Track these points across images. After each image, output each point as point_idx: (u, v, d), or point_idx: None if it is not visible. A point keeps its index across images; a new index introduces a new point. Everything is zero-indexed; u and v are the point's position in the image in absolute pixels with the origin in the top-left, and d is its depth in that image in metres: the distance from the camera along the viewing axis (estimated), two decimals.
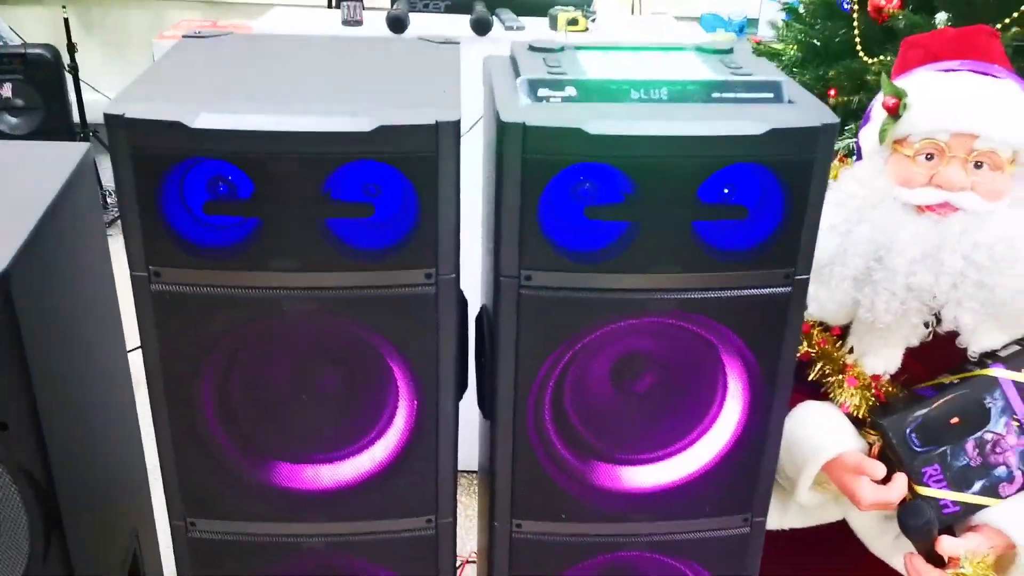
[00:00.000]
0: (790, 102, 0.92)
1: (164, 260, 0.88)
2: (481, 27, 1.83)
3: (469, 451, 1.13)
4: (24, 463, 0.91)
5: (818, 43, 1.67)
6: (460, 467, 1.07)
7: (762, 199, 0.90)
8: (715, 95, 0.91)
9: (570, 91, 0.90)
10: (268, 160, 0.84)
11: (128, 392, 1.27)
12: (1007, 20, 1.39)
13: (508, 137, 0.85)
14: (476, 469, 1.13)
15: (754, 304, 0.93)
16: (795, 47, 1.72)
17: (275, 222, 0.87)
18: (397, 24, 1.82)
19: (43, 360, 0.92)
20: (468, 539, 2.22)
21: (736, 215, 0.89)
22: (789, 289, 0.93)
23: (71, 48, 3.34)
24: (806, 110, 0.90)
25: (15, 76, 3.18)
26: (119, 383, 1.24)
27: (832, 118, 0.87)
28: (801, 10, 1.74)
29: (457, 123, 0.85)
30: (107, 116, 0.83)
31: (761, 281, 0.92)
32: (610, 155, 0.85)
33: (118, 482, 1.21)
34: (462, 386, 1.04)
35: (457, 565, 1.90)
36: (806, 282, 0.94)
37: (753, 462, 1.03)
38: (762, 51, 1.79)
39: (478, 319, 1.07)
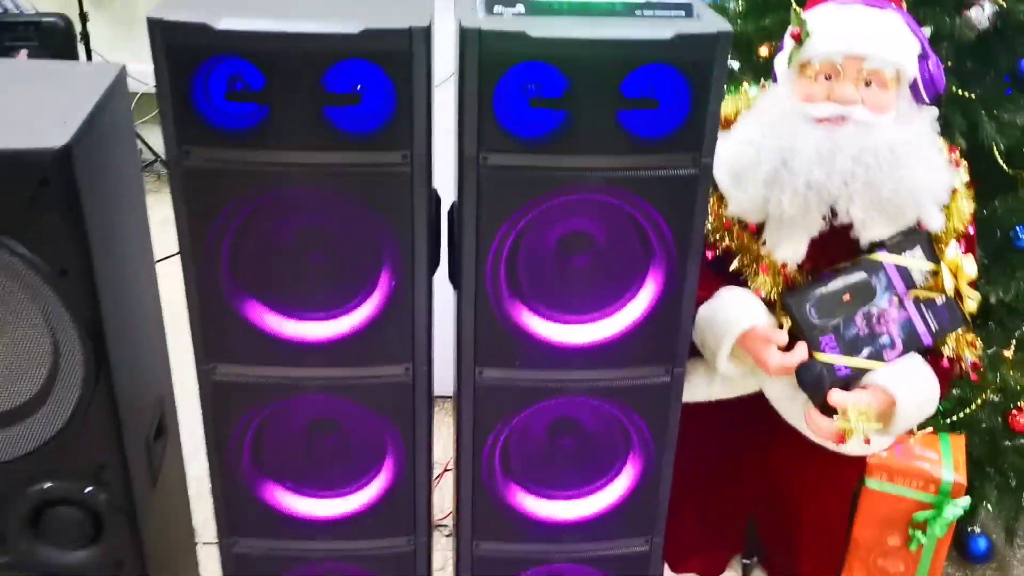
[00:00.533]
0: (698, 18, 1.14)
1: (193, 140, 1.10)
2: None
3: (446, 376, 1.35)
4: (78, 306, 1.14)
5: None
6: (436, 392, 1.33)
7: (672, 94, 1.12)
8: (637, 12, 1.14)
9: (519, 8, 1.13)
10: (276, 57, 1.06)
11: (153, 273, 1.49)
12: None
13: (467, 41, 1.08)
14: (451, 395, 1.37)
15: (668, 183, 1.16)
16: (738, 2, 1.94)
17: (282, 110, 1.09)
18: None
19: (95, 222, 1.14)
20: (445, 454, 2.44)
21: (649, 106, 1.11)
22: (696, 171, 1.16)
23: (83, 17, 3.54)
24: (708, 22, 1.12)
25: (30, 43, 3.38)
26: (147, 264, 1.47)
27: (727, 27, 1.10)
28: None
29: (428, 28, 1.07)
30: (149, 20, 1.05)
31: (673, 163, 1.15)
32: (548, 55, 1.08)
33: (146, 344, 1.43)
34: (434, 262, 1.27)
35: (435, 476, 2.12)
36: (710, 165, 1.16)
37: (673, 321, 1.25)
38: (711, 6, 2.01)
39: (449, 212, 1.29)
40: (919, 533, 1.73)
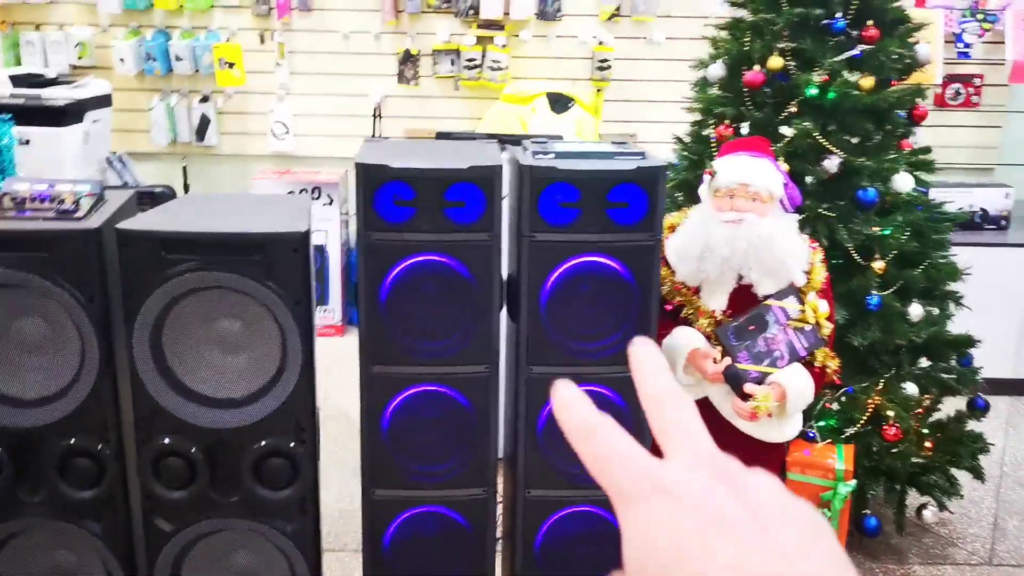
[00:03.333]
0: (649, 159, 2.07)
1: (372, 227, 1.99)
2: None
3: None
4: (304, 326, 1.97)
5: (695, 157, 2.86)
6: None
7: (637, 199, 2.02)
8: (616, 156, 2.07)
9: (552, 155, 2.05)
10: (421, 181, 1.97)
11: None
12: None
13: (524, 172, 1.99)
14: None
15: (637, 249, 2.04)
16: (683, 161, 2.91)
17: (422, 211, 1.99)
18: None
19: (310, 274, 2.01)
20: None
21: (623, 206, 2.01)
22: (652, 243, 2.04)
23: (186, 188, 4.54)
24: (654, 161, 2.05)
25: (145, 208, 4.35)
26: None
27: (662, 163, 2.02)
28: (687, 140, 2.96)
29: (500, 166, 1.99)
30: (356, 163, 1.96)
31: (639, 239, 2.04)
32: (569, 178, 1.99)
33: None
34: (500, 304, 2.13)
35: None
36: (660, 239, 2.05)
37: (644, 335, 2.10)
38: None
39: (507, 279, 2.16)
40: (825, 511, 2.49)
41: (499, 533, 2.39)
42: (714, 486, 0.42)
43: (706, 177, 2.34)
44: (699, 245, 2.26)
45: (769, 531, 0.40)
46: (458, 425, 2.14)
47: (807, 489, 2.51)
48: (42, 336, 1.97)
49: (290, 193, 4.41)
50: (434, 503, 2.17)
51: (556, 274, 2.06)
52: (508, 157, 2.19)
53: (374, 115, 4.80)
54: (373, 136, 4.81)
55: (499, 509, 2.35)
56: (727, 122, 2.72)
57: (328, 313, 4.51)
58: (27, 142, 4.13)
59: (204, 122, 4.66)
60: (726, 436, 2.36)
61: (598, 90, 4.55)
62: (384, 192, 1.99)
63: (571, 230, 2.02)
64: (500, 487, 2.27)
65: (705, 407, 2.36)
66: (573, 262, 2.05)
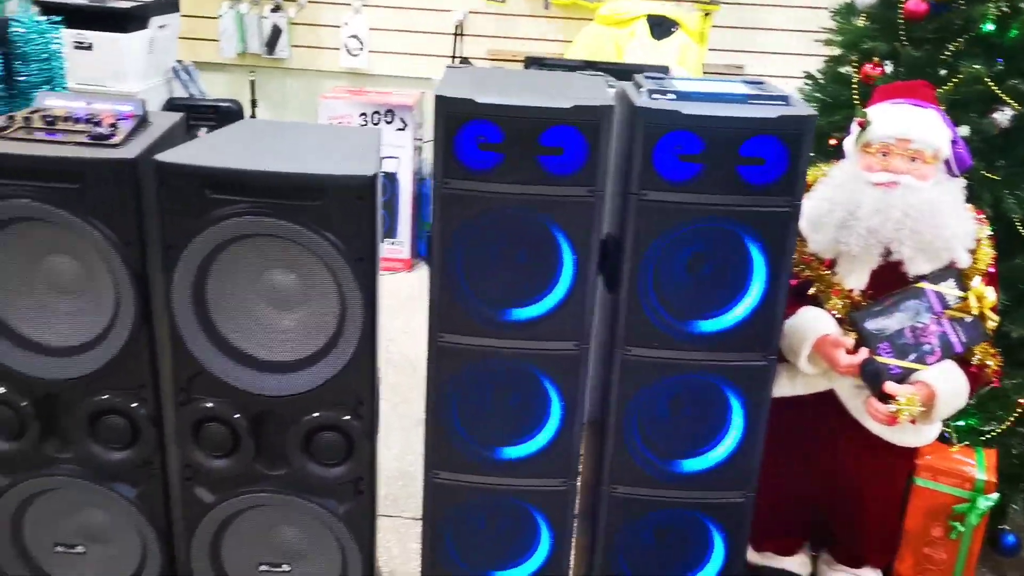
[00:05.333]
0: (793, 105, 1.68)
1: (451, 175, 1.66)
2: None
3: None
4: (366, 283, 1.67)
5: (829, 100, 2.44)
6: None
7: (775, 155, 1.64)
8: (750, 101, 1.68)
9: (671, 96, 1.68)
10: (512, 122, 1.62)
11: None
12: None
13: (638, 115, 1.63)
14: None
15: (770, 216, 1.67)
16: (813, 103, 2.49)
17: (511, 158, 1.65)
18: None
19: (378, 228, 1.70)
20: None
21: (758, 163, 1.64)
22: (789, 209, 1.67)
23: (254, 103, 4.27)
24: (801, 108, 1.66)
25: (209, 122, 4.10)
26: None
27: (814, 112, 1.63)
28: (820, 78, 2.52)
29: (612, 107, 1.63)
30: (436, 96, 1.62)
31: (774, 203, 1.66)
32: (692, 126, 1.62)
33: None
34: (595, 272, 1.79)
35: None
36: (799, 206, 1.68)
37: (769, 319, 1.75)
38: None
39: (603, 242, 1.81)
40: (958, 524, 2.13)
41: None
42: None
43: (854, 127, 1.93)
44: (841, 211, 1.88)
45: None
46: (538, 408, 1.84)
47: (938, 498, 2.15)
48: (73, 278, 1.72)
49: (361, 115, 4.09)
50: (505, 492, 1.89)
51: (668, 240, 1.71)
52: (614, 94, 1.82)
53: (455, 34, 4.42)
54: (453, 57, 4.43)
55: None
56: (875, 59, 2.28)
57: (397, 246, 4.23)
58: (89, 47, 3.89)
59: (275, 33, 4.35)
60: (853, 436, 2.02)
61: (706, 14, 4.07)
62: (467, 132, 1.65)
63: (690, 188, 1.66)
64: None
65: (828, 403, 2.01)
66: (690, 227, 1.69)
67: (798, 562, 2.26)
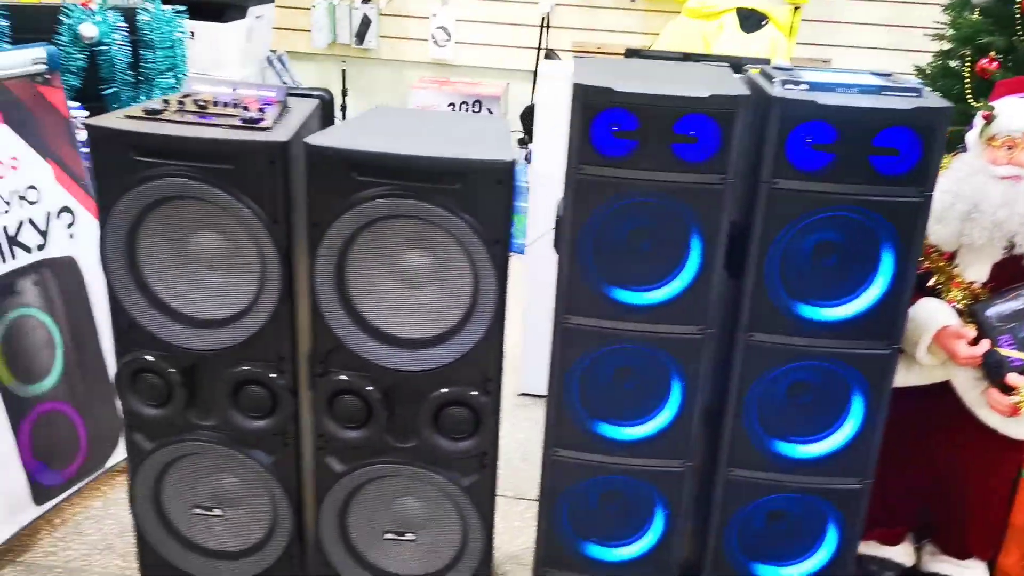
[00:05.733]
0: (925, 97, 1.69)
1: (587, 160, 1.71)
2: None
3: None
4: (499, 265, 1.74)
5: (940, 94, 2.43)
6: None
7: (908, 147, 1.66)
8: (883, 92, 1.70)
9: (804, 86, 1.71)
10: (648, 110, 1.67)
11: None
12: None
13: (773, 105, 1.66)
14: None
15: (901, 206, 1.69)
16: None
17: (645, 145, 1.69)
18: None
19: (512, 211, 1.76)
20: None
21: (891, 153, 1.66)
22: (921, 199, 1.69)
23: (344, 93, 4.37)
24: (936, 100, 1.67)
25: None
26: None
27: (949, 104, 1.65)
28: (927, 71, 2.52)
29: (748, 96, 1.66)
30: (574, 84, 1.68)
31: (905, 193, 1.69)
32: (826, 115, 1.65)
33: None
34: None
35: None
36: (930, 197, 1.70)
37: (895, 309, 1.77)
38: None
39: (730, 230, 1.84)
40: None
41: None
42: None
43: (978, 120, 1.94)
44: (965, 204, 1.89)
45: None
46: (659, 390, 1.89)
47: None
48: (221, 255, 1.82)
49: (449, 105, 4.17)
50: (623, 471, 1.94)
51: (796, 228, 1.74)
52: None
53: (541, 26, 4.47)
54: (539, 49, 4.49)
55: None
56: (991, 54, 2.27)
57: None
58: (191, 36, 4.02)
59: (365, 24, 4.45)
60: (964, 427, 2.03)
61: (795, 7, 4.05)
62: (602, 120, 1.70)
63: (821, 177, 1.69)
64: None
65: (943, 394, 2.02)
66: (819, 216, 1.72)
67: (903, 552, 2.28)
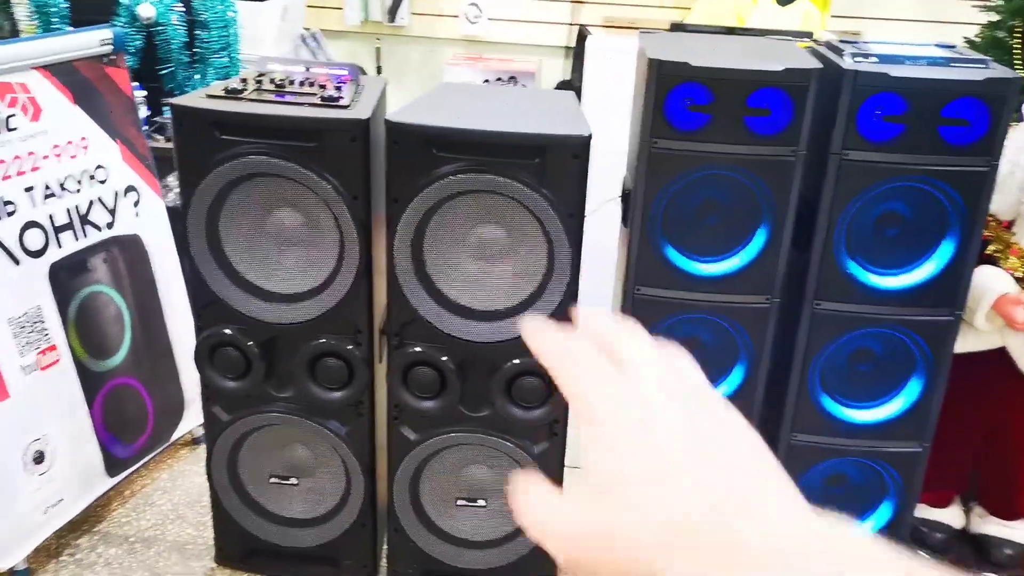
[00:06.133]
0: (992, 68, 1.73)
1: (659, 135, 1.75)
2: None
3: None
4: (575, 241, 1.78)
5: None
6: None
7: (976, 117, 1.70)
8: (952, 64, 1.74)
9: (873, 59, 1.74)
10: (722, 84, 1.71)
11: None
12: None
13: (846, 78, 1.70)
14: None
15: (967, 176, 1.73)
16: None
17: (719, 118, 1.73)
18: None
19: None
20: None
21: (961, 124, 1.70)
22: (988, 168, 1.73)
23: (379, 70, 4.40)
24: (1003, 72, 1.71)
25: None
26: None
27: (1017, 75, 1.68)
28: (977, 42, 2.54)
29: (820, 69, 1.70)
30: (649, 59, 1.71)
31: (973, 163, 1.73)
32: (897, 87, 1.68)
33: None
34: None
35: None
36: (996, 166, 1.74)
37: (958, 277, 1.81)
38: None
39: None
40: None
41: None
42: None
43: None
44: (1023, 173, 1.92)
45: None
46: (727, 359, 1.94)
47: None
48: (300, 231, 1.87)
49: (484, 82, 4.19)
50: None
51: (865, 199, 1.78)
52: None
53: (572, 1, 4.47)
54: (571, 24, 4.50)
55: None
56: None
57: None
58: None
59: (396, 1, 4.46)
60: (1017, 392, 2.08)
61: None
62: (677, 94, 1.74)
63: (891, 148, 1.73)
64: None
65: (998, 360, 2.07)
66: (888, 186, 1.76)
67: (952, 514, 2.34)
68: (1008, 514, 2.29)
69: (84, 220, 2.24)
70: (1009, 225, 2.01)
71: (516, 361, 1.90)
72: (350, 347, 1.93)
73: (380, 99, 1.94)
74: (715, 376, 1.95)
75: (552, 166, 1.74)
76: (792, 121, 1.73)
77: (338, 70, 1.96)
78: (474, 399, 1.96)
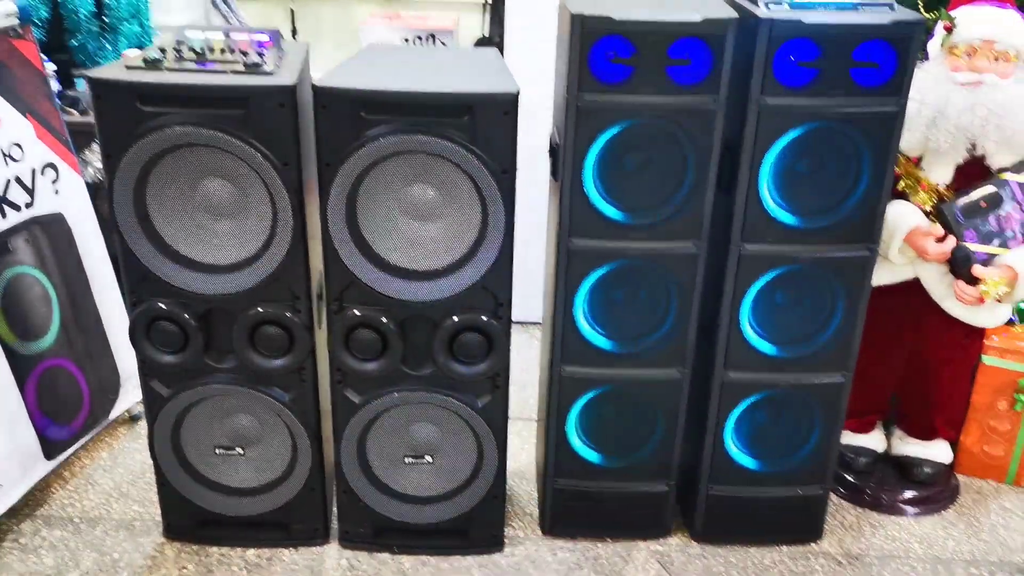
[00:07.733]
0: (897, 11, 1.80)
1: (584, 88, 1.78)
2: None
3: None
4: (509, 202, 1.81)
5: None
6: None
7: (884, 59, 1.78)
8: (859, 7, 1.81)
9: (784, 5, 1.80)
10: (644, 36, 1.74)
11: None
12: None
13: (761, 25, 1.75)
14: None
15: (878, 117, 1.82)
16: None
17: (641, 70, 1.77)
18: None
19: None
20: None
21: (871, 66, 1.77)
22: (896, 108, 1.81)
23: (294, 33, 4.30)
24: (908, 14, 1.78)
25: None
26: None
27: (921, 17, 1.76)
28: None
29: (737, 19, 1.75)
30: (571, 14, 1.74)
31: (883, 104, 1.81)
32: (809, 32, 1.75)
33: None
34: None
35: None
36: (904, 106, 1.82)
37: (873, 213, 1.90)
38: None
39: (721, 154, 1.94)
40: (1022, 396, 2.35)
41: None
42: None
43: (939, 30, 2.06)
44: (930, 110, 2.02)
45: None
46: (657, 304, 2.01)
47: (1004, 376, 2.36)
48: (231, 200, 1.85)
49: (404, 40, 4.14)
50: (623, 382, 2.07)
51: (784, 143, 1.85)
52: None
53: None
54: None
55: None
56: None
57: None
58: None
59: None
60: (931, 320, 2.21)
61: None
62: (600, 47, 1.77)
63: (808, 93, 1.80)
64: None
65: (911, 291, 2.19)
66: (805, 129, 1.83)
67: (874, 439, 2.48)
68: (926, 434, 2.44)
69: (2, 200, 2.17)
70: (918, 161, 2.11)
71: (456, 318, 1.93)
72: (289, 314, 1.93)
73: (304, 63, 1.92)
74: (650, 320, 2.02)
75: (482, 124, 1.76)
76: (712, 70, 1.78)
77: (259, 35, 1.93)
78: (416, 358, 1.99)
